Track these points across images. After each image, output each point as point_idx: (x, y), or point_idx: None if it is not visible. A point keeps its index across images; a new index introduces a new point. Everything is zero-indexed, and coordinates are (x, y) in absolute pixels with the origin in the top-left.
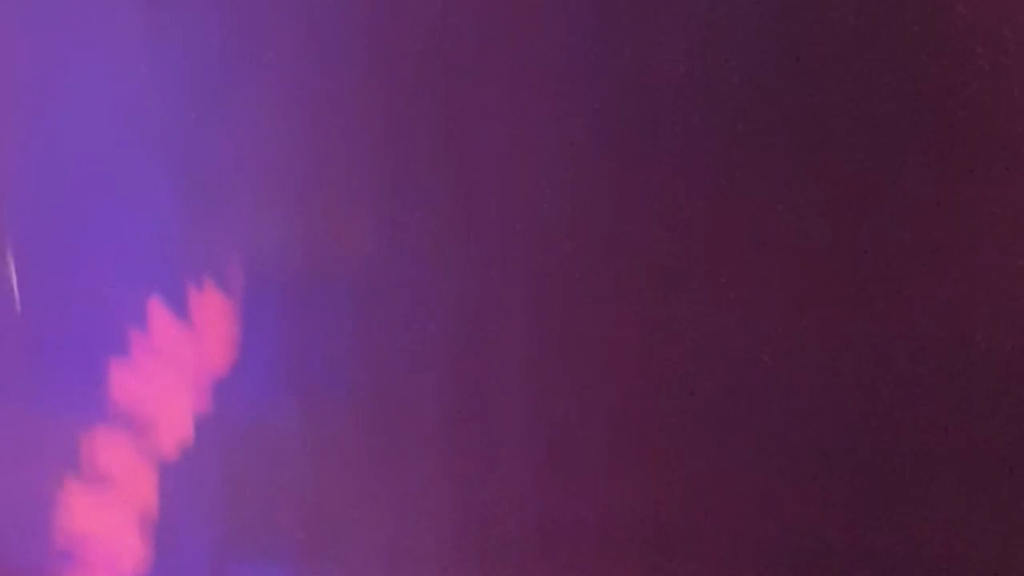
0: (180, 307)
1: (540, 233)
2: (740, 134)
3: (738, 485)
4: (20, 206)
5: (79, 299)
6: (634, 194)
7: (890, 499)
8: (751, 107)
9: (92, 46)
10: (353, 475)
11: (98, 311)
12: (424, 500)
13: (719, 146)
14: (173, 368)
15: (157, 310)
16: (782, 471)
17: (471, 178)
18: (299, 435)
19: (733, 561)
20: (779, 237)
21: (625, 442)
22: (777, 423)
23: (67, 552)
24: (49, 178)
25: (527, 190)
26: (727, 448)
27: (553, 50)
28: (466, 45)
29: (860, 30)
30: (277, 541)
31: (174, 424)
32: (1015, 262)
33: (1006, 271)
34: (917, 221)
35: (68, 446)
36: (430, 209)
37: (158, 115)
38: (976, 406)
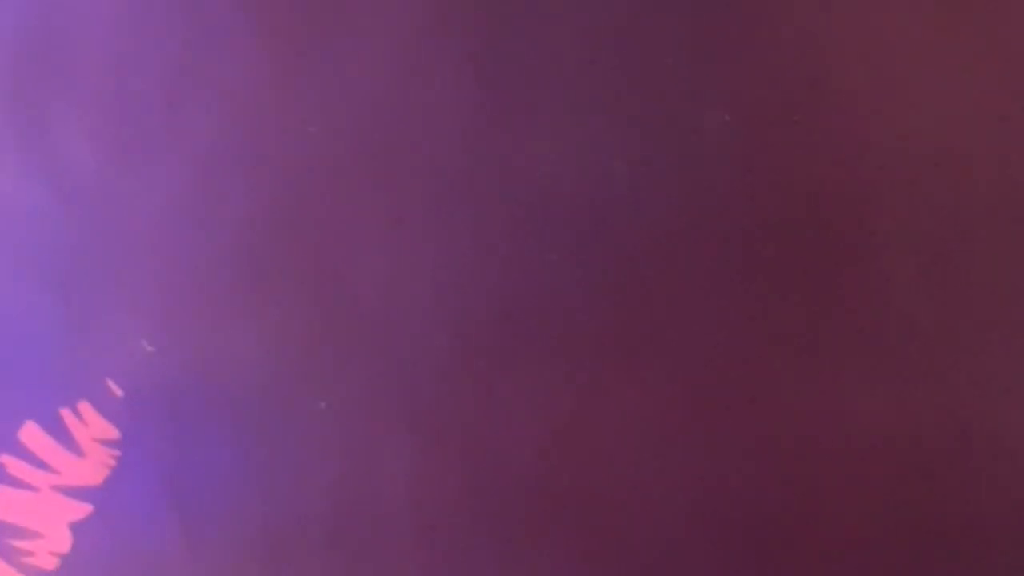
0: (57, 429)
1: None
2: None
3: None
4: None
5: None
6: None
7: None
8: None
9: None
10: None
11: None
12: None
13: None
14: (50, 490)
15: (32, 434)
16: None
17: (345, 287)
18: (180, 552)
19: None
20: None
21: None
22: None
23: None
24: None
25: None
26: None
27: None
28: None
29: None
30: None
31: (53, 542)
32: None
33: None
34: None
35: None
36: (303, 315)
37: (29, 234)
38: None
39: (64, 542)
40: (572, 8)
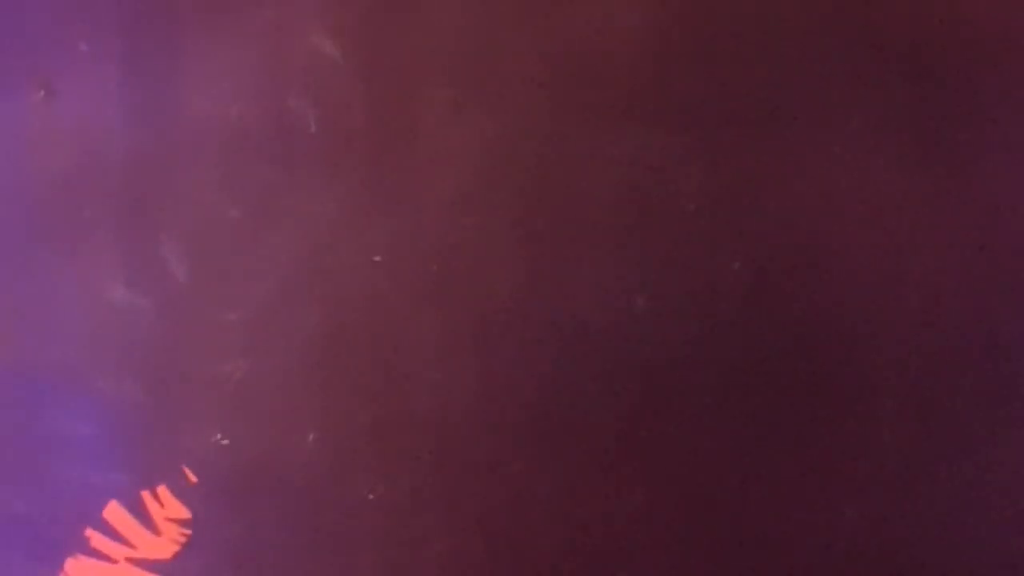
0: (136, 509)
1: None
2: None
3: None
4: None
5: (44, 501)
6: None
7: None
8: None
9: None
10: None
11: (60, 508)
12: None
13: None
14: (126, 562)
15: (115, 512)
16: None
17: (400, 396)
18: None
19: None
20: None
21: None
22: None
23: None
24: (14, 393)
25: None
26: None
27: None
28: None
29: None
30: None
31: None
32: None
33: None
34: None
35: None
36: (361, 417)
37: (127, 334)
38: None
39: None
40: (602, 166)
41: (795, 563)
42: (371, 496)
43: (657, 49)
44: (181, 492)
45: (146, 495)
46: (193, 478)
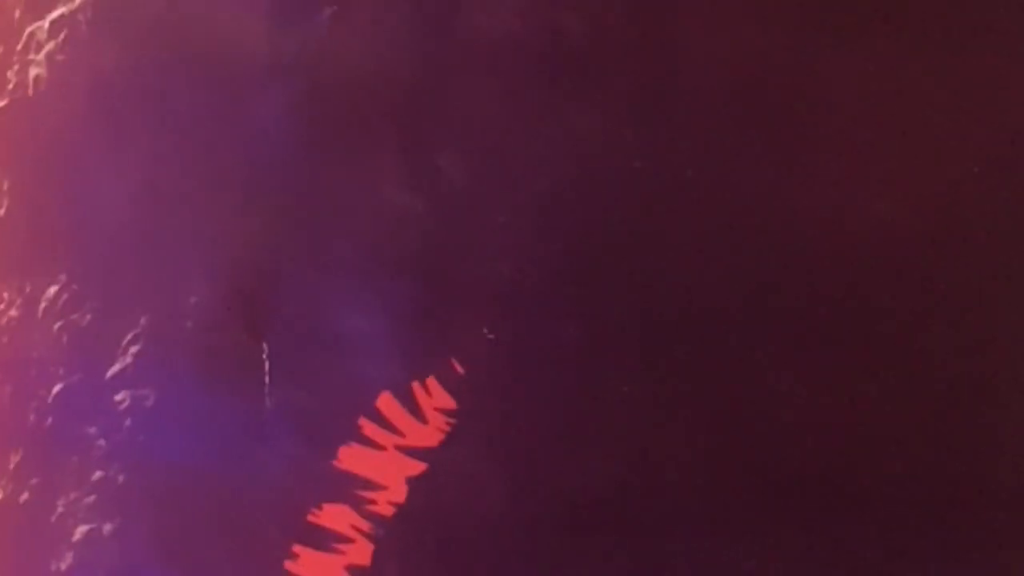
0: (407, 399)
1: None
2: None
3: None
4: (281, 302)
5: (322, 393)
6: None
7: None
8: None
9: None
10: None
11: (336, 399)
12: None
13: None
14: (394, 450)
15: (387, 402)
16: None
17: None
18: (501, 509)
19: None
20: None
21: None
22: None
23: None
24: (313, 290)
25: None
26: None
27: None
28: None
29: None
30: None
31: (392, 494)
32: None
33: None
34: None
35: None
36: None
37: (400, 232)
38: None
39: (401, 494)
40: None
41: None
42: (625, 389)
43: None
44: (449, 383)
45: (416, 386)
46: (460, 370)
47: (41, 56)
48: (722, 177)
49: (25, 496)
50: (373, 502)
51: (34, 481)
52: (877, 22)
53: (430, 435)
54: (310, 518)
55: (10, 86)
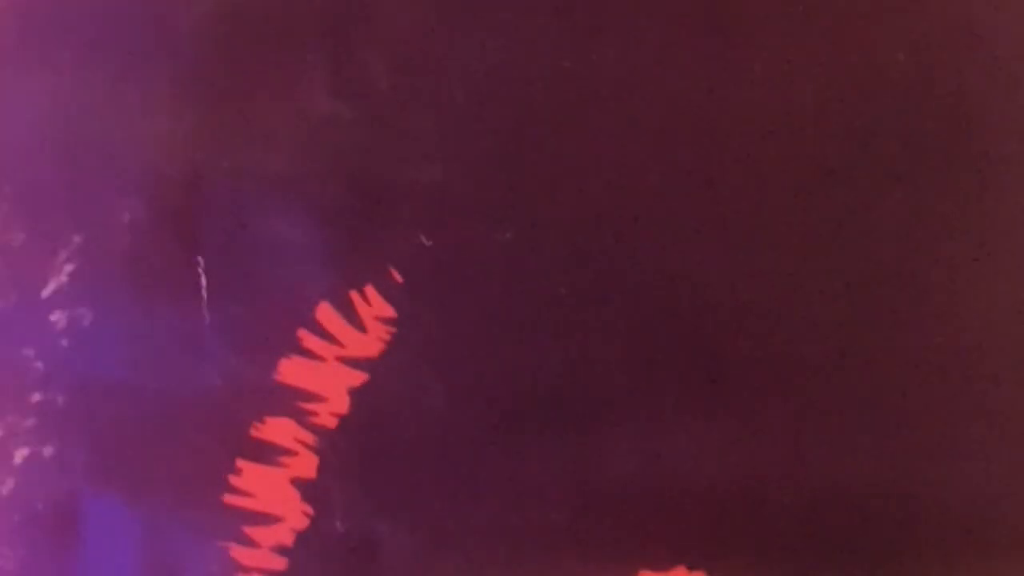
0: (346, 309)
1: None
2: None
3: None
4: (214, 214)
5: (258, 305)
6: None
7: None
8: None
9: None
10: None
11: (273, 311)
12: None
13: None
14: (335, 361)
15: (326, 312)
16: None
17: None
18: (442, 416)
19: None
20: None
21: None
22: None
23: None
24: (244, 200)
25: None
26: None
27: None
28: None
29: None
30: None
31: (334, 405)
32: None
33: None
34: None
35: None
36: None
37: (330, 137)
38: None
39: (343, 405)
40: None
41: None
42: (562, 291)
43: None
44: (387, 292)
45: (354, 295)
46: (399, 278)
47: None
48: (657, 76)
49: None
50: (315, 414)
51: None
52: None
53: (370, 344)
54: (253, 432)
55: None
